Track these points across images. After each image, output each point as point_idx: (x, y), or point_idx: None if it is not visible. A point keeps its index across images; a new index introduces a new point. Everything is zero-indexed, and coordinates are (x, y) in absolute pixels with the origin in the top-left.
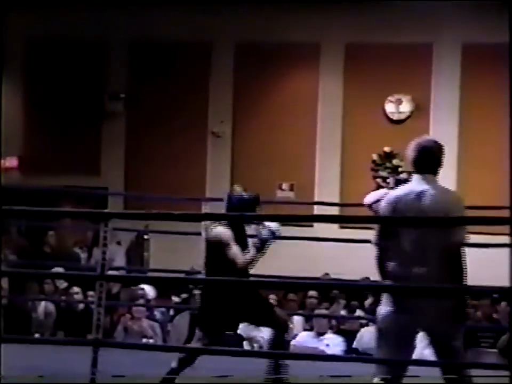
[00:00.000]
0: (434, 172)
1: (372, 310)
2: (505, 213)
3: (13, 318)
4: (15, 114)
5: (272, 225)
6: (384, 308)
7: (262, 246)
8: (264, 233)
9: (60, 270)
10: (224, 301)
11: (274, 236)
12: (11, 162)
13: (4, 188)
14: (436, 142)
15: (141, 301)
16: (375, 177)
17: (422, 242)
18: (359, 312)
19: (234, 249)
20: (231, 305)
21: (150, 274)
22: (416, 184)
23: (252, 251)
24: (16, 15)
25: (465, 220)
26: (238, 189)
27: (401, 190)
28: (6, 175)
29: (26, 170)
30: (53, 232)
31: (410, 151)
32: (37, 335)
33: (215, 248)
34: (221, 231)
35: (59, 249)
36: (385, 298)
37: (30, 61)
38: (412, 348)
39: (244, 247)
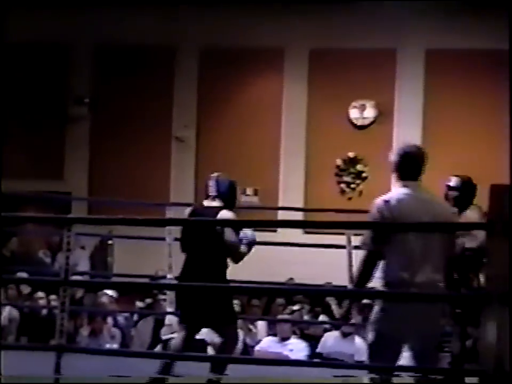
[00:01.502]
0: (416, 178)
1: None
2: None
3: None
4: None
5: (249, 232)
6: (377, 313)
7: (249, 247)
8: (250, 234)
9: (23, 275)
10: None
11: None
12: None
13: None
14: (418, 148)
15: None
16: (339, 183)
17: (424, 249)
18: (322, 317)
19: (234, 238)
20: (213, 299)
21: (113, 279)
22: (400, 190)
23: (245, 247)
24: None
25: (450, 226)
26: (223, 175)
27: (387, 195)
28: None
29: None
30: (15, 238)
31: (393, 157)
32: None
33: (213, 232)
34: (228, 215)
35: (23, 254)
36: (378, 304)
37: None
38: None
39: None
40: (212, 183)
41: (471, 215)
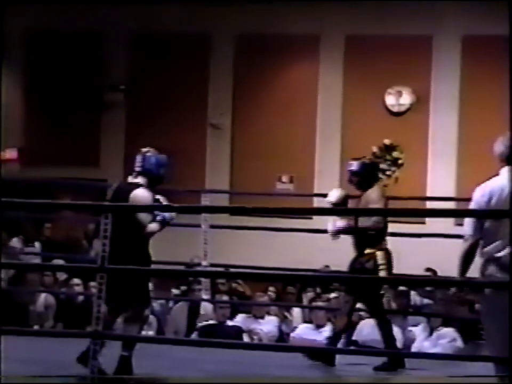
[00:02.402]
0: None
1: None
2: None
3: (11, 310)
4: (15, 106)
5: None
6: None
7: (162, 225)
8: (167, 214)
9: (60, 262)
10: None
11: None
12: (11, 154)
13: (4, 180)
14: None
15: None
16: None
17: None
18: (358, 305)
19: (146, 216)
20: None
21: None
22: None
23: (156, 225)
24: (16, 7)
25: None
26: (153, 151)
27: (494, 182)
28: (6, 167)
29: (26, 162)
30: (49, 224)
31: (500, 145)
32: (36, 327)
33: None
34: (142, 193)
35: (65, 240)
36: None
37: (31, 52)
38: None
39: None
40: (138, 159)
41: (370, 194)
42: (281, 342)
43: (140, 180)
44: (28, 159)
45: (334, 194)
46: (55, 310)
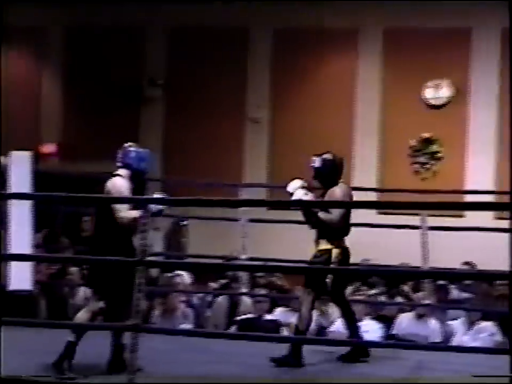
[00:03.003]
0: None
1: (410, 296)
2: None
3: (51, 304)
4: (54, 101)
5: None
6: None
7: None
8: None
9: None
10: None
11: (161, 212)
12: (49, 148)
13: (43, 174)
14: None
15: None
16: (413, 163)
17: None
18: (397, 298)
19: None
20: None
21: (188, 260)
22: None
23: (138, 212)
24: (55, 2)
25: None
26: (134, 145)
27: None
28: (45, 161)
29: (64, 157)
30: (88, 218)
31: None
32: None
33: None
34: (118, 182)
35: None
36: None
37: (70, 47)
38: None
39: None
40: (119, 153)
41: (333, 191)
42: (319, 336)
43: (120, 172)
44: (66, 154)
45: (292, 185)
46: None
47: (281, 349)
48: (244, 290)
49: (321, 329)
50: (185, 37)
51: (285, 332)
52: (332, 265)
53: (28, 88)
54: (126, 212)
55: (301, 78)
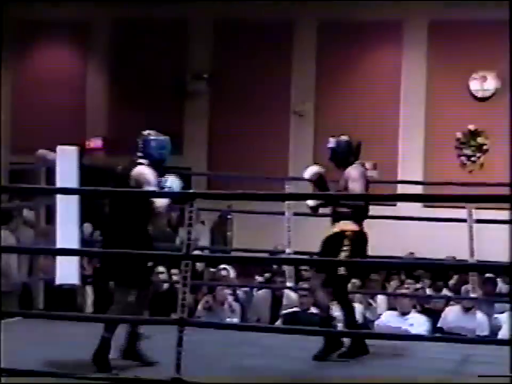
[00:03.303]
0: None
1: (456, 289)
2: None
3: (97, 298)
4: (99, 95)
5: (172, 180)
6: None
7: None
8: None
9: None
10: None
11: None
12: (95, 143)
13: (89, 168)
14: None
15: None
16: (459, 156)
17: None
18: (444, 291)
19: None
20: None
21: (233, 253)
22: None
23: (165, 200)
24: None
25: None
26: (153, 133)
27: None
28: (91, 156)
29: (110, 151)
30: None
31: None
32: None
33: (133, 187)
34: (144, 170)
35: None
36: None
37: (115, 41)
38: None
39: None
40: (139, 142)
41: (350, 171)
42: (365, 329)
43: (142, 161)
44: (112, 148)
45: (309, 171)
46: None
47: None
48: (289, 284)
49: (367, 322)
50: (230, 30)
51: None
52: (343, 251)
53: (73, 82)
54: (159, 201)
55: (346, 71)
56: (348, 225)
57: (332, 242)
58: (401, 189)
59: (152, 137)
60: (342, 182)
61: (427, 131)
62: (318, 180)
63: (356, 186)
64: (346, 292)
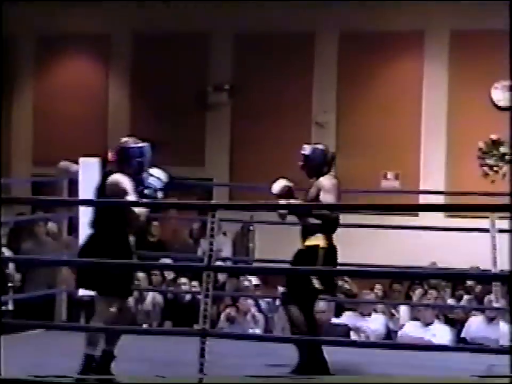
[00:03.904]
0: None
1: (479, 299)
2: None
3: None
4: (121, 107)
5: (155, 171)
6: None
7: (154, 196)
8: (153, 183)
9: (167, 261)
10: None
11: (161, 183)
12: None
13: None
14: None
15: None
16: (482, 165)
17: None
18: (466, 301)
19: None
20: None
21: (255, 264)
22: None
23: (144, 209)
24: (121, 8)
25: None
26: (131, 140)
27: None
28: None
29: None
30: (157, 223)
31: None
32: (144, 326)
33: (110, 197)
34: (119, 178)
35: (172, 239)
36: None
37: (136, 53)
38: None
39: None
40: (117, 149)
41: (322, 181)
42: (388, 340)
43: (119, 168)
44: None
45: (276, 186)
46: (163, 308)
47: (347, 353)
48: None
49: (390, 333)
50: (251, 41)
51: (353, 336)
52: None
53: (95, 94)
54: (140, 209)
55: (367, 82)
56: (319, 239)
57: (304, 257)
58: (423, 199)
59: (129, 146)
60: (313, 191)
61: (449, 141)
62: (286, 194)
63: (328, 198)
64: (313, 307)
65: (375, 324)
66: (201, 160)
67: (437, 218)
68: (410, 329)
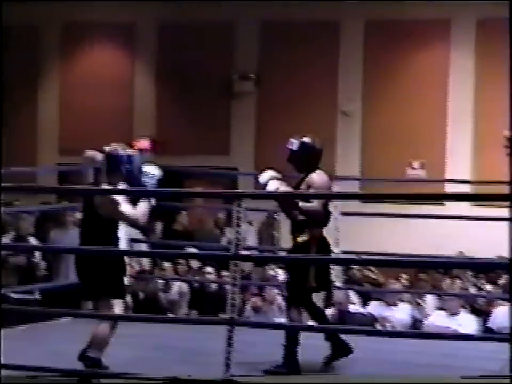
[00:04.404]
0: None
1: (506, 289)
2: None
3: (145, 298)
4: (146, 96)
5: (149, 169)
6: None
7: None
8: (147, 181)
9: (193, 250)
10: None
11: (155, 180)
12: (144, 143)
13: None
14: None
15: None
16: (508, 154)
17: None
18: (493, 291)
19: (125, 207)
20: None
21: (280, 253)
22: None
23: (142, 204)
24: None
25: None
26: (119, 147)
27: None
28: (139, 156)
29: (158, 152)
30: (185, 212)
31: None
32: (170, 315)
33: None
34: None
35: (198, 229)
36: None
37: (162, 42)
38: None
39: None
40: (103, 158)
41: (312, 178)
42: (414, 329)
43: (106, 176)
44: (160, 149)
45: (263, 176)
46: (189, 298)
47: (374, 342)
48: (338, 284)
49: (416, 322)
50: (277, 30)
51: (378, 326)
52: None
53: (120, 84)
54: (139, 212)
55: (393, 70)
56: (309, 235)
57: (299, 252)
58: (449, 188)
59: (118, 152)
60: (303, 188)
61: (475, 129)
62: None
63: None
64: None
65: (400, 313)
66: (226, 149)
67: (463, 208)
68: (436, 319)
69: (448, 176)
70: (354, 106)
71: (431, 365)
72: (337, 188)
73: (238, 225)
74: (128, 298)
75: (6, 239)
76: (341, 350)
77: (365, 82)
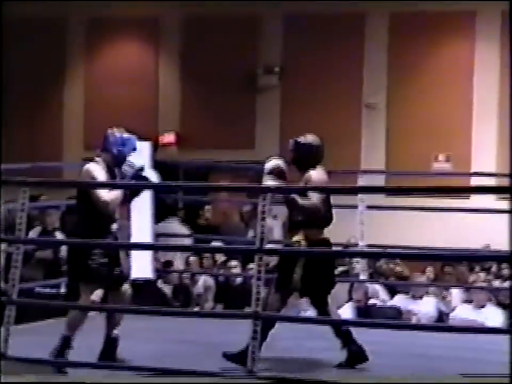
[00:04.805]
0: None
1: None
2: None
3: (175, 292)
4: (171, 90)
5: (133, 159)
6: None
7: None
8: (126, 169)
9: (218, 244)
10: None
11: (137, 171)
12: (169, 138)
13: (163, 163)
14: None
15: None
16: None
17: None
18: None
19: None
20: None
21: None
22: None
23: (118, 192)
24: None
25: None
26: (117, 130)
27: None
28: (164, 151)
29: (183, 146)
30: (210, 206)
31: None
32: (196, 309)
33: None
34: (91, 167)
35: (223, 223)
36: None
37: (186, 36)
38: None
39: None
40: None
41: (310, 175)
42: (440, 323)
43: (100, 157)
44: (185, 143)
45: (269, 163)
46: (214, 291)
47: (401, 336)
48: (363, 277)
49: (442, 315)
50: (301, 23)
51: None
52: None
53: (145, 78)
54: (110, 195)
55: (418, 63)
56: (303, 235)
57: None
58: (474, 181)
59: (113, 134)
60: (301, 184)
61: (500, 123)
62: (279, 174)
63: (314, 194)
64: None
65: (426, 306)
66: (251, 143)
67: (488, 201)
68: (463, 312)
69: (473, 169)
70: (379, 99)
71: (458, 359)
72: (362, 181)
73: (263, 219)
74: (127, 287)
75: (33, 234)
76: (355, 355)
77: (390, 75)
